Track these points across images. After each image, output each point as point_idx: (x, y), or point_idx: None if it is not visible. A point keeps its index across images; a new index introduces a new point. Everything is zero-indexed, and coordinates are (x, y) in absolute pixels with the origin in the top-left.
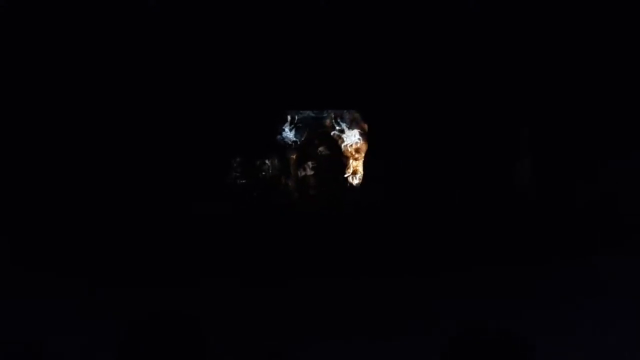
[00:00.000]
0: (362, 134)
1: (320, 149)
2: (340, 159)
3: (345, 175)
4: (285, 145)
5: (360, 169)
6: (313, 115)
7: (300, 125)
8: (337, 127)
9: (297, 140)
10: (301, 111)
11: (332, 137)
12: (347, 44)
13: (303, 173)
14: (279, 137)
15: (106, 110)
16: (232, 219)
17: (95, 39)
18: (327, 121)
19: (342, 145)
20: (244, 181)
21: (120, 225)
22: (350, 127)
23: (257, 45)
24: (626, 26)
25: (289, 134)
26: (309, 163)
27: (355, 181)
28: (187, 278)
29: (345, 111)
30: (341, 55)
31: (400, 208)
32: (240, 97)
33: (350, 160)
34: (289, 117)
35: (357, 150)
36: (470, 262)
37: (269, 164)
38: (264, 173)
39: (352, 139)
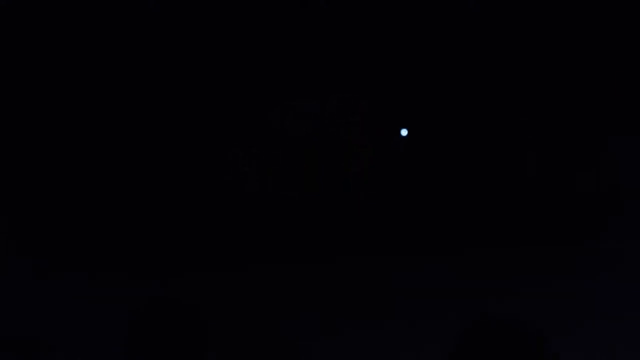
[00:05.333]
0: (365, 121)
1: (323, 135)
2: (344, 145)
3: (350, 162)
4: (287, 133)
5: (365, 154)
6: (315, 102)
7: (302, 112)
8: (340, 114)
9: (300, 127)
10: (303, 98)
11: (334, 123)
12: (349, 32)
13: (305, 162)
14: (280, 125)
15: (104, 105)
16: (234, 208)
17: (90, 23)
18: (330, 108)
19: (345, 132)
20: (246, 170)
21: (121, 217)
22: (352, 115)
23: (256, 34)
24: (624, 22)
25: (291, 121)
26: (311, 150)
27: (359, 168)
28: (189, 268)
29: (348, 98)
30: (344, 42)
31: (406, 194)
32: (241, 88)
33: (355, 146)
34: (290, 105)
35: (362, 136)
36: (476, 247)
37: (270, 153)
38: (264, 162)
39: (354, 126)
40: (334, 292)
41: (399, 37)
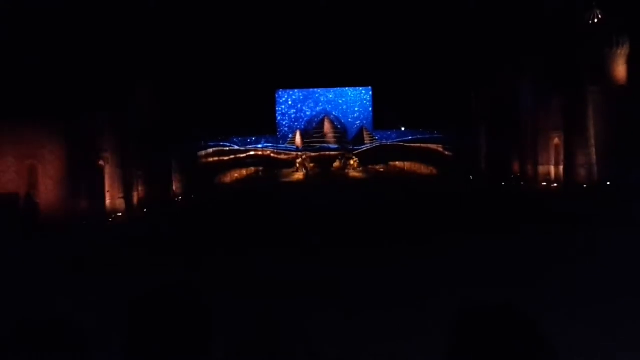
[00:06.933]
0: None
1: (327, 126)
2: (344, 139)
3: (351, 151)
4: (290, 124)
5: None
6: (318, 93)
7: (304, 106)
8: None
9: (303, 119)
10: (307, 92)
11: (333, 119)
12: (349, 32)
13: (306, 155)
14: (282, 116)
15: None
16: (241, 197)
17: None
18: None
19: (344, 126)
20: (251, 160)
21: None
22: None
23: (268, 28)
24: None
25: (293, 113)
26: (313, 141)
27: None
28: (194, 256)
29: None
30: (343, 41)
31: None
32: (249, 78)
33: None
34: (294, 96)
35: (361, 133)
36: (474, 240)
37: (275, 143)
38: (270, 152)
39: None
40: (335, 284)
41: (399, 36)
